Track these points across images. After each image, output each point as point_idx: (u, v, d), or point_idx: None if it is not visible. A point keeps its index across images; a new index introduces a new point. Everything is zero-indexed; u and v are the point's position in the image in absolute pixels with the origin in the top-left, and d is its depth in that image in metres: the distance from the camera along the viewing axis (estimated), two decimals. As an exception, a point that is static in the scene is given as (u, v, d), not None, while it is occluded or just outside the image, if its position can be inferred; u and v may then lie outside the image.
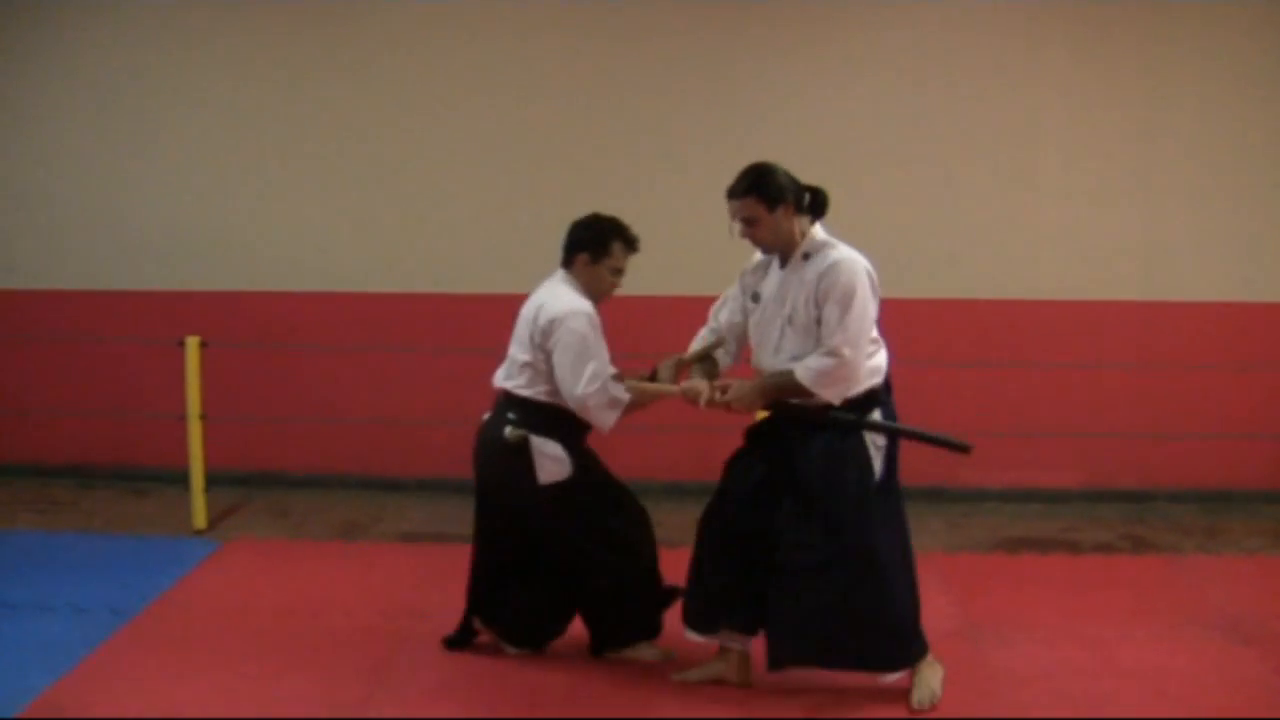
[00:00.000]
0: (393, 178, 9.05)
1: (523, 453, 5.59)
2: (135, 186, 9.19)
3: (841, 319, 5.19)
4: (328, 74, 9.05)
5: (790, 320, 5.36)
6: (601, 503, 5.84)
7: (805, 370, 5.18)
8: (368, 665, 5.83)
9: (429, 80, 9.02)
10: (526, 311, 5.76)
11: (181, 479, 8.17)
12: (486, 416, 5.88)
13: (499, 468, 5.72)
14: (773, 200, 5.26)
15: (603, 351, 5.54)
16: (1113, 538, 8.31)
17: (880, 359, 5.43)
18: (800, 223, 5.37)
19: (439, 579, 7.05)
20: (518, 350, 5.75)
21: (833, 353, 5.17)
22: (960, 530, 8.31)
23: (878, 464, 5.34)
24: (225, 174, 9.11)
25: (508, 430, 5.61)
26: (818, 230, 5.42)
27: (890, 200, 8.88)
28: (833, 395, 5.22)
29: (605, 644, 5.95)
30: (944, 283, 8.95)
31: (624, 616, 5.92)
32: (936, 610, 6.09)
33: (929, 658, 5.51)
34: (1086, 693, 5.62)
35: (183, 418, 8.04)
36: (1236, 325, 9.04)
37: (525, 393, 5.66)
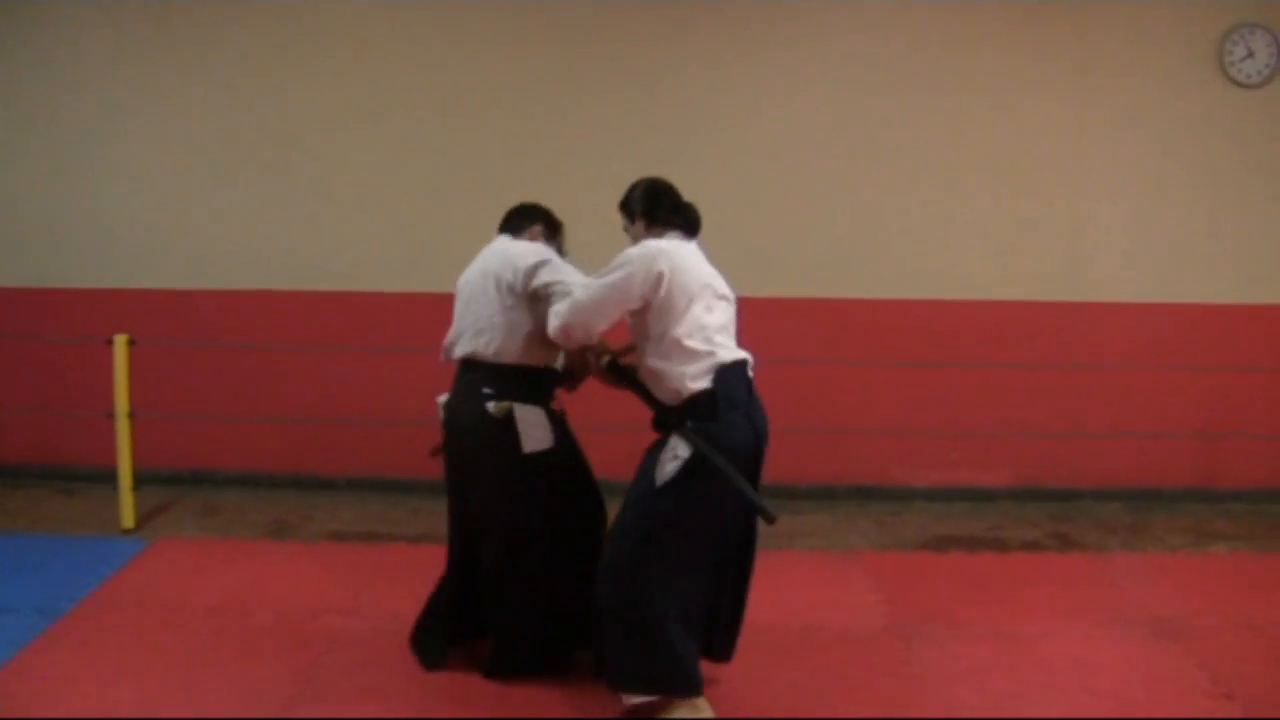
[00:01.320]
0: (325, 177, 9.01)
1: (508, 424, 5.47)
2: (63, 184, 9.10)
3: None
4: (263, 74, 8.99)
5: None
6: (574, 481, 5.74)
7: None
8: (297, 664, 5.81)
9: (365, 80, 8.97)
10: (487, 267, 5.69)
11: (109, 478, 8.10)
12: (446, 396, 5.80)
13: (482, 443, 5.53)
14: (628, 214, 5.61)
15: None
16: (1039, 536, 8.38)
17: (700, 366, 5.16)
18: (643, 234, 5.51)
19: (369, 578, 7.06)
20: (481, 311, 5.61)
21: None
22: (888, 529, 8.36)
23: (670, 469, 5.12)
24: (155, 172, 9.04)
25: (491, 405, 5.46)
26: (650, 242, 5.42)
27: (822, 202, 8.94)
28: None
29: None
30: (874, 283, 9.00)
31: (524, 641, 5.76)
32: (865, 608, 6.14)
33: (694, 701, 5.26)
34: (1014, 689, 5.67)
35: (111, 416, 7.98)
36: (1160, 326, 9.14)
37: (493, 358, 5.55)
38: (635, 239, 5.50)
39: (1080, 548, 8.17)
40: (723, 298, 5.35)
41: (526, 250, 5.61)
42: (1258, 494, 9.33)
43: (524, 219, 5.91)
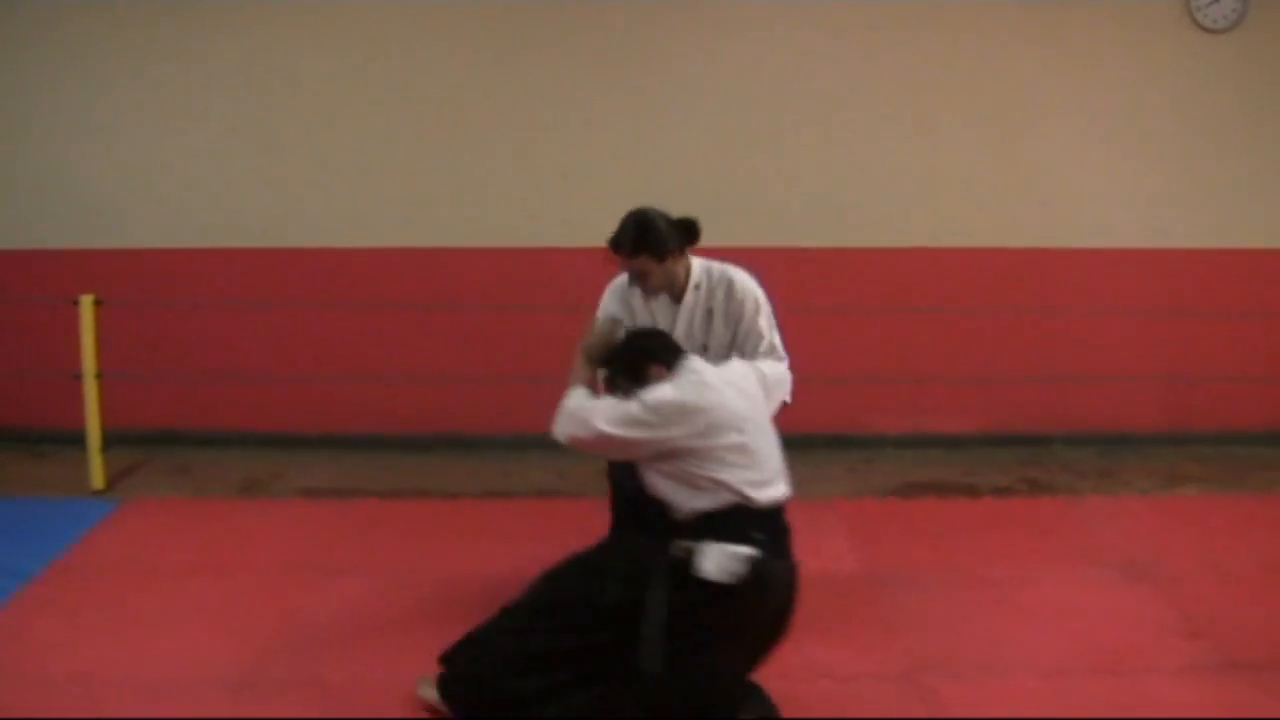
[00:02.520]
0: (290, 133, 8.93)
1: None
2: (27, 144, 9.00)
3: (770, 328, 5.43)
4: (229, 33, 8.87)
5: (706, 348, 5.38)
6: None
7: (777, 378, 5.28)
8: (271, 622, 5.81)
9: (322, 36, 8.88)
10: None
11: (79, 439, 8.06)
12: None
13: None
14: (661, 254, 5.23)
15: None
16: (1010, 481, 8.42)
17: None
18: (684, 260, 5.39)
19: (342, 534, 7.06)
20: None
21: (781, 358, 5.41)
22: (860, 476, 8.38)
23: None
24: (120, 131, 8.94)
25: None
26: (695, 261, 5.45)
27: (793, 151, 8.91)
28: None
29: None
30: (845, 232, 8.98)
31: None
32: (838, 554, 6.17)
33: None
34: (987, 633, 5.71)
35: (79, 377, 7.93)
36: (1131, 271, 9.16)
37: None
38: (678, 272, 5.37)
39: (1051, 492, 8.21)
40: None
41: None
42: (1226, 436, 9.38)
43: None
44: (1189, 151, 9.10)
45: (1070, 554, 6.46)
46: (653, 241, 5.20)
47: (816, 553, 6.38)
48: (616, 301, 5.53)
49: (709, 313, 5.44)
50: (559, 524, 7.03)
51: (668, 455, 4.60)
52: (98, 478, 8.01)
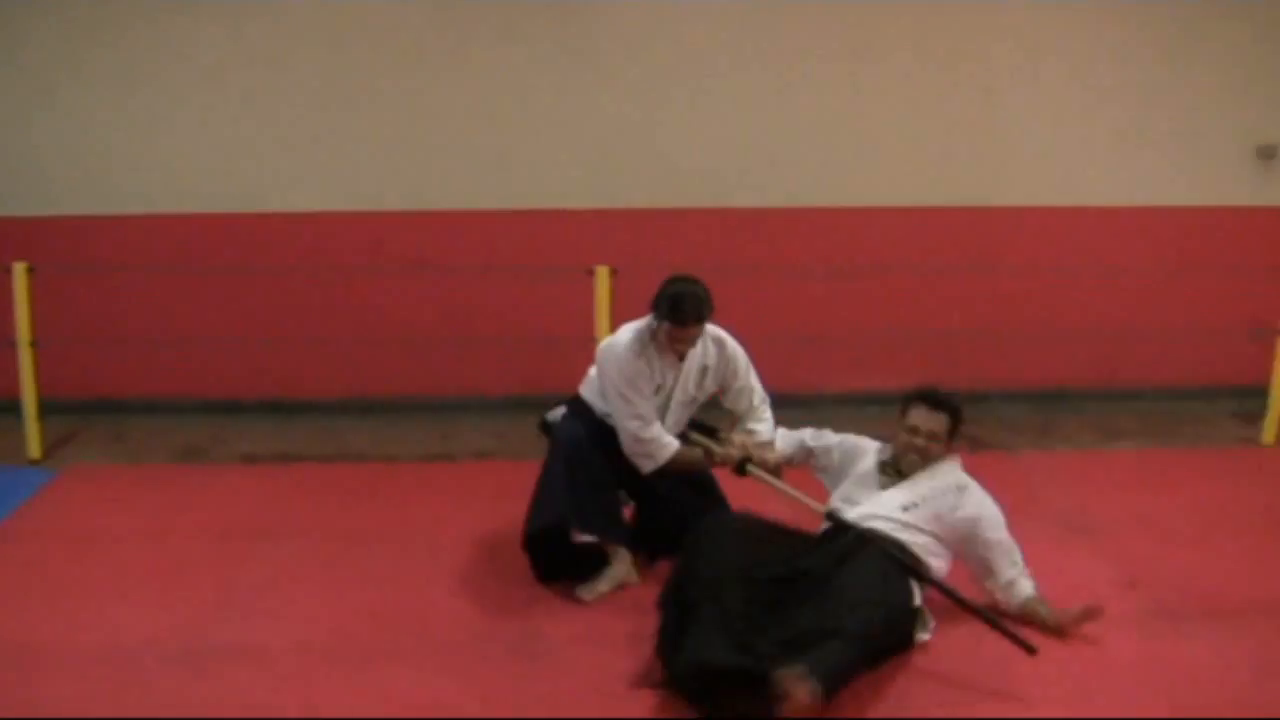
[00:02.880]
0: (220, 94, 8.83)
1: None
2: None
3: (756, 379, 6.15)
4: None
5: (694, 400, 6.01)
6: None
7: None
8: (212, 588, 5.78)
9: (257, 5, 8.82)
10: None
11: (14, 408, 7.99)
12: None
13: None
14: (701, 320, 5.67)
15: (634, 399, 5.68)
16: (949, 438, 8.47)
17: None
18: None
19: (282, 499, 7.04)
20: None
21: (767, 401, 6.20)
22: (799, 435, 8.41)
23: None
24: (53, 98, 8.83)
25: None
26: None
27: (729, 112, 8.91)
28: None
29: None
30: (781, 191, 9.00)
31: None
32: (776, 515, 6.17)
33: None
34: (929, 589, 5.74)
35: (12, 345, 7.86)
36: (1067, 229, 9.23)
37: None
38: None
39: (989, 448, 8.28)
40: None
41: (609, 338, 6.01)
42: (1161, 392, 9.50)
43: None
44: (1127, 110, 9.16)
45: (1008, 509, 6.49)
46: (709, 311, 5.66)
47: (753, 508, 6.42)
48: (637, 364, 5.73)
49: (704, 370, 5.92)
50: (499, 486, 7.05)
51: None
52: (34, 446, 7.94)
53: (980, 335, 9.15)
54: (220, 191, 8.85)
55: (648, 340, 5.72)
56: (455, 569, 6.05)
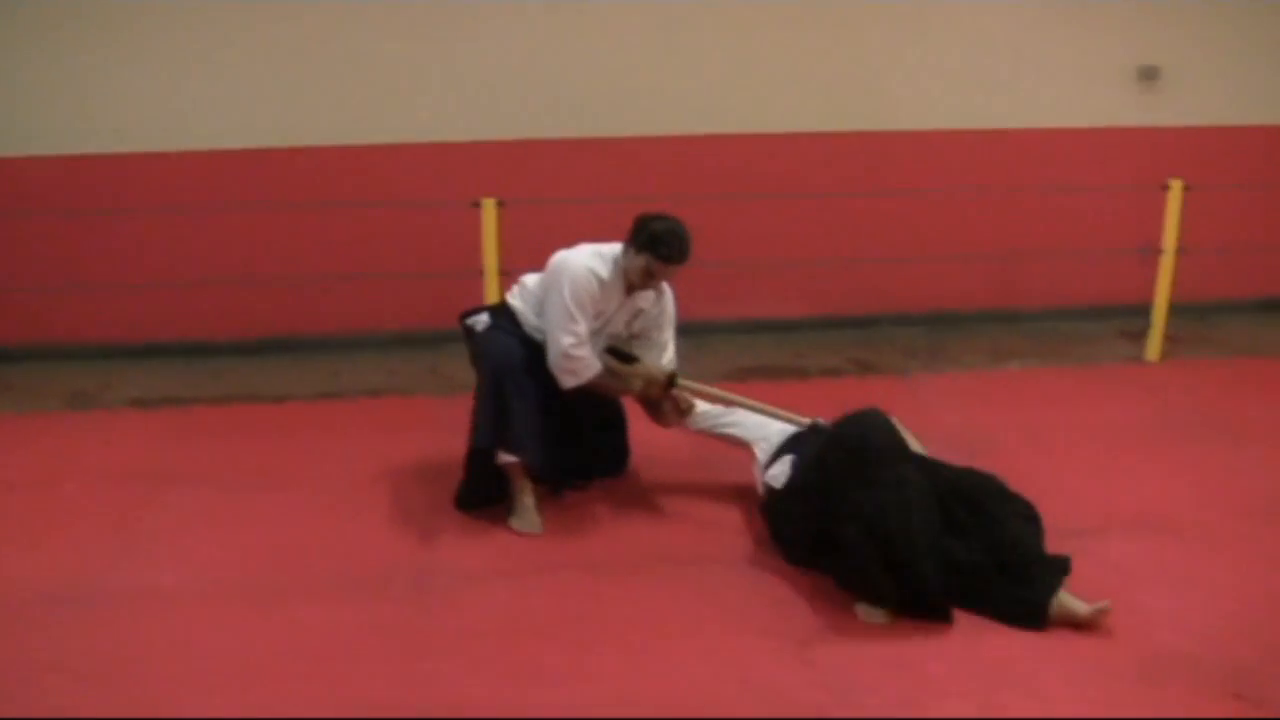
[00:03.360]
0: (99, 27, 8.64)
1: None
2: None
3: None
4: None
5: (614, 337, 6.03)
6: None
7: None
8: (106, 534, 5.71)
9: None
10: None
11: (-110, 358, 7.84)
12: None
13: None
14: None
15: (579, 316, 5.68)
16: (840, 362, 8.54)
17: None
18: None
19: (175, 443, 6.96)
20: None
21: None
22: (692, 363, 8.29)
23: None
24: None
25: None
26: None
27: (615, 42, 8.85)
28: None
29: None
30: (672, 120, 8.97)
31: None
32: (669, 439, 6.20)
33: None
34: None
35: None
36: (955, 152, 9.29)
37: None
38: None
39: (880, 371, 8.36)
40: None
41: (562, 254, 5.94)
42: (1051, 312, 9.62)
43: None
44: (1014, 31, 9.21)
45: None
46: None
47: (649, 441, 6.44)
48: (593, 286, 5.73)
49: (639, 312, 6.01)
50: (391, 421, 7.03)
51: None
52: (-86, 397, 7.81)
53: (871, 260, 9.19)
54: (97, 130, 8.65)
55: (612, 267, 5.74)
56: (350, 505, 6.02)
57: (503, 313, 5.99)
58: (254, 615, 4.96)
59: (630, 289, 5.81)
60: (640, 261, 5.64)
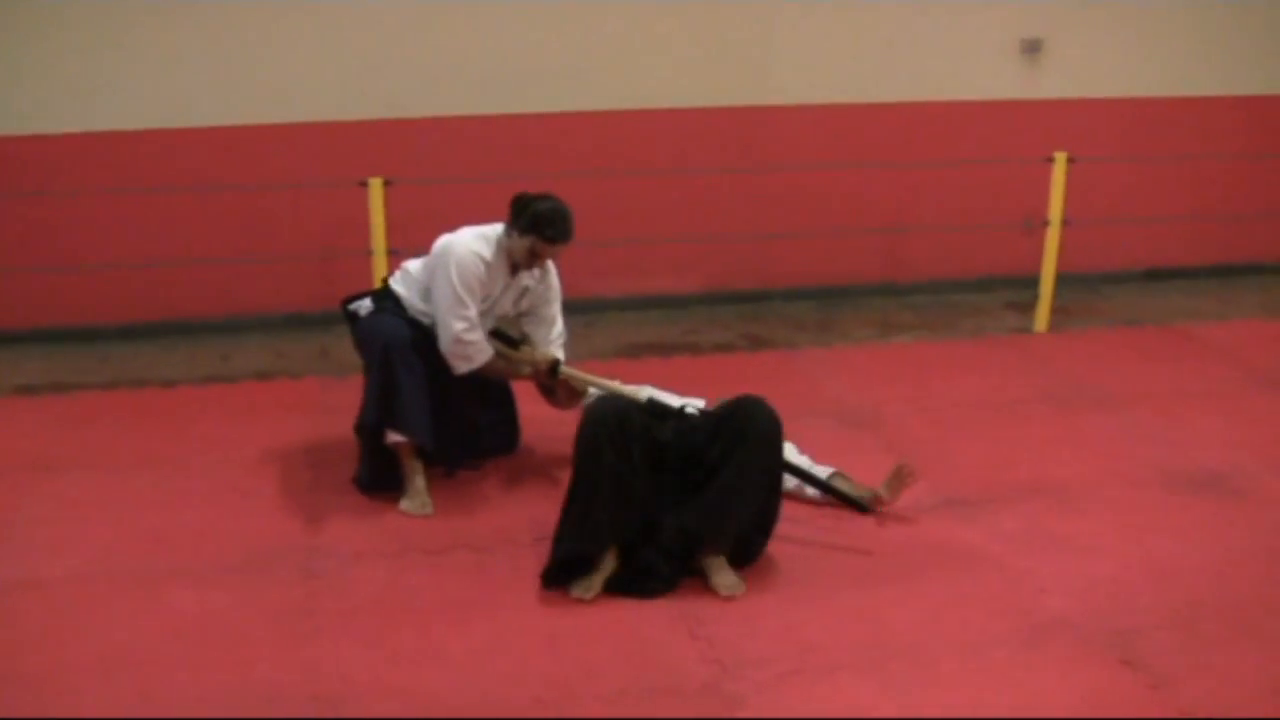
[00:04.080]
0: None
1: None
2: None
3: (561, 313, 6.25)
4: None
5: (502, 317, 6.08)
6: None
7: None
8: (-13, 523, 5.64)
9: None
10: None
11: None
12: None
13: None
14: None
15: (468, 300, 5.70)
16: (732, 337, 8.57)
17: None
18: None
19: (61, 430, 6.85)
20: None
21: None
22: (583, 340, 8.36)
23: None
24: None
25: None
26: None
27: (502, 18, 8.80)
28: None
29: None
30: (549, 97, 8.94)
31: None
32: (555, 417, 6.19)
33: None
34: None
35: None
36: (840, 126, 9.33)
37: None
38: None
39: (771, 346, 8.39)
40: None
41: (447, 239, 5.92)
42: (938, 285, 9.71)
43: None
44: (896, 6, 9.24)
45: (790, 403, 6.52)
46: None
47: (539, 419, 6.43)
48: (480, 269, 5.74)
49: (525, 290, 6.01)
50: (279, 404, 6.97)
51: None
52: None
53: (760, 236, 9.21)
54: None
55: (496, 249, 5.74)
56: (238, 489, 5.97)
57: (386, 297, 5.96)
58: (139, 601, 4.90)
59: (515, 269, 5.82)
60: (525, 243, 5.64)
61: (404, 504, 5.76)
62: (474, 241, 5.70)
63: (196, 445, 6.54)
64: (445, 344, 5.67)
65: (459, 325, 5.60)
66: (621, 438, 4.88)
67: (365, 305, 5.97)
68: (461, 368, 5.73)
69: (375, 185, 7.51)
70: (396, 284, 5.98)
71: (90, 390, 7.67)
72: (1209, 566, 5.19)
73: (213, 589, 4.98)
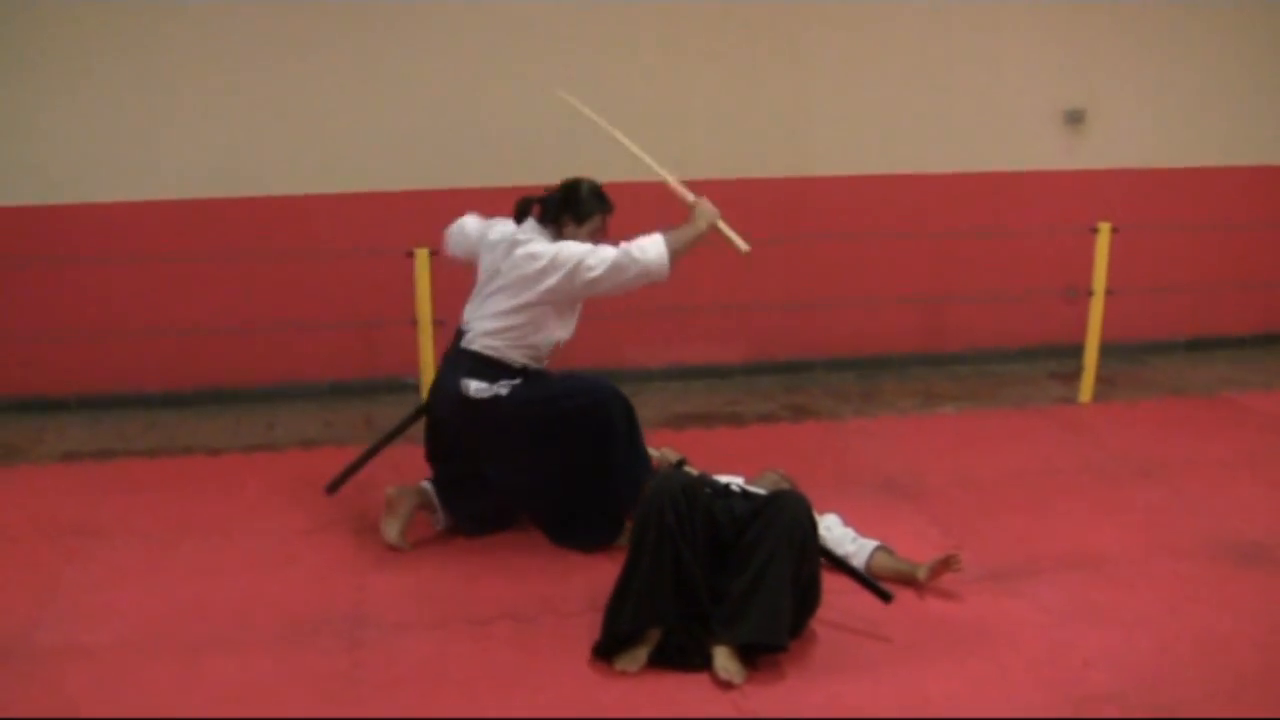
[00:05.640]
0: (49, 91, 8.59)
1: None
2: None
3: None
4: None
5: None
6: None
7: None
8: (34, 589, 5.63)
9: None
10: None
11: None
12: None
13: None
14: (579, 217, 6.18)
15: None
16: (774, 408, 8.56)
17: None
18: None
19: (105, 496, 6.87)
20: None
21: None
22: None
23: None
24: None
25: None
26: None
27: (545, 90, 8.86)
28: None
29: None
30: (600, 166, 8.95)
31: None
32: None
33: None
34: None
35: None
36: (884, 197, 9.35)
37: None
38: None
39: (814, 416, 8.37)
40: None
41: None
42: (979, 354, 9.71)
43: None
44: (940, 78, 9.30)
45: (834, 475, 6.58)
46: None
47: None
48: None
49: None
50: (324, 473, 6.97)
51: None
52: None
53: (802, 305, 9.22)
54: (29, 181, 8.59)
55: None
56: (282, 557, 5.98)
57: (493, 366, 5.94)
58: (182, 669, 4.90)
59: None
60: (593, 224, 6.05)
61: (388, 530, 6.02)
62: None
63: (241, 513, 6.56)
64: (632, 276, 5.93)
65: (614, 254, 5.87)
66: (687, 512, 4.88)
67: (498, 388, 5.88)
68: (657, 270, 6.04)
69: (421, 255, 7.55)
70: (487, 340, 5.94)
71: (135, 457, 7.71)
72: (1255, 639, 5.13)
73: (256, 658, 4.98)
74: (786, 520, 4.92)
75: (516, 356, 5.88)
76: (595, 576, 5.54)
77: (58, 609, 5.46)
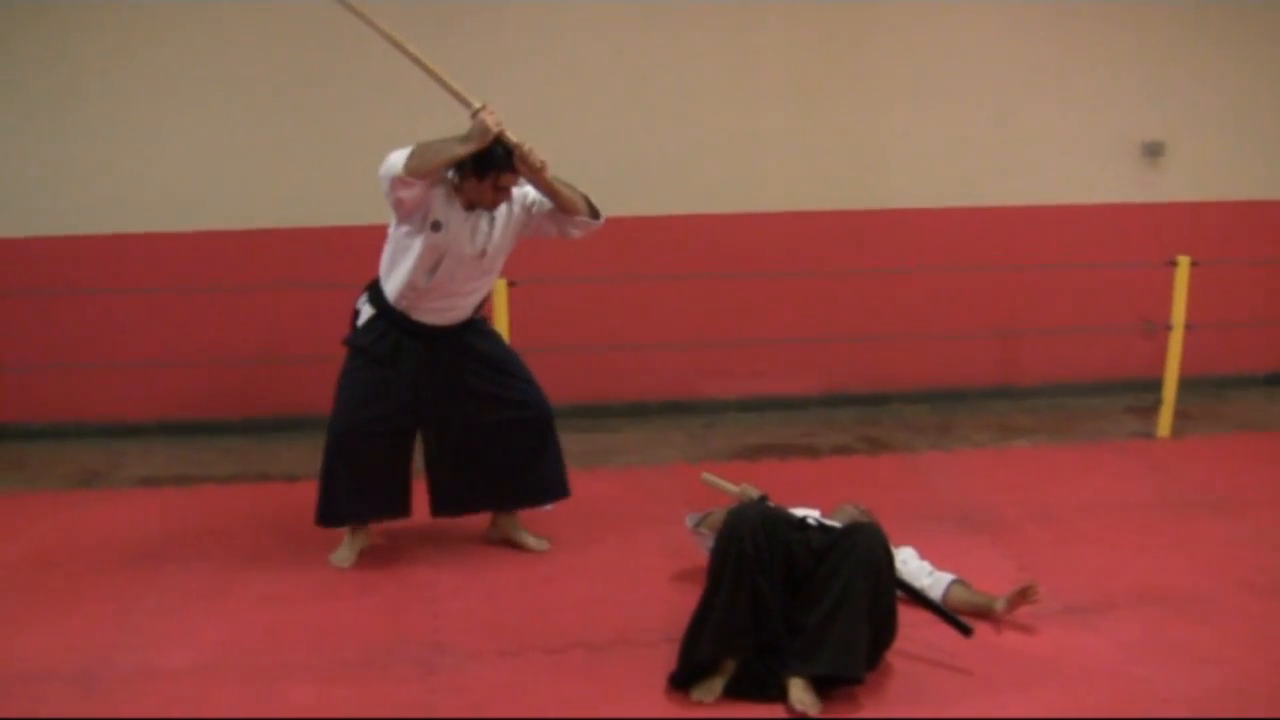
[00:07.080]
0: (103, 116, 8.71)
1: None
2: None
3: None
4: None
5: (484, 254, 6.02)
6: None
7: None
8: (110, 613, 5.70)
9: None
10: None
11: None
12: None
13: None
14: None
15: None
16: (849, 440, 8.53)
17: None
18: None
19: (182, 522, 6.93)
20: None
21: None
22: (700, 442, 8.42)
23: None
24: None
25: None
26: None
27: (617, 121, 8.90)
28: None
29: None
30: (675, 199, 9.01)
31: None
32: (678, 517, 6.19)
33: None
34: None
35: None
36: (960, 230, 9.31)
37: None
38: None
39: (889, 449, 8.34)
40: None
41: None
42: (1055, 389, 9.63)
43: None
44: (1017, 111, 9.27)
45: (910, 508, 6.54)
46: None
47: (659, 518, 6.45)
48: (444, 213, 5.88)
49: (488, 230, 6.00)
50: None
51: None
52: (-70, 478, 7.81)
53: (879, 337, 9.21)
54: (105, 212, 8.69)
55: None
56: (357, 584, 6.03)
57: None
58: (258, 696, 4.94)
59: (471, 207, 5.89)
60: (488, 182, 5.76)
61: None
62: None
63: (317, 540, 6.59)
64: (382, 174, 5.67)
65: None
66: (765, 544, 4.88)
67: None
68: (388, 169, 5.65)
69: (499, 286, 7.58)
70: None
71: (213, 483, 7.77)
72: (1335, 677, 5.09)
73: (332, 685, 5.02)
74: (863, 552, 4.91)
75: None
76: (671, 608, 5.55)
77: (135, 632, 5.51)
